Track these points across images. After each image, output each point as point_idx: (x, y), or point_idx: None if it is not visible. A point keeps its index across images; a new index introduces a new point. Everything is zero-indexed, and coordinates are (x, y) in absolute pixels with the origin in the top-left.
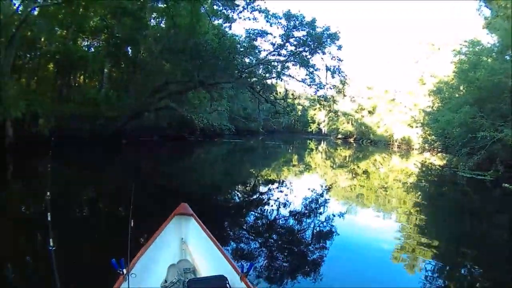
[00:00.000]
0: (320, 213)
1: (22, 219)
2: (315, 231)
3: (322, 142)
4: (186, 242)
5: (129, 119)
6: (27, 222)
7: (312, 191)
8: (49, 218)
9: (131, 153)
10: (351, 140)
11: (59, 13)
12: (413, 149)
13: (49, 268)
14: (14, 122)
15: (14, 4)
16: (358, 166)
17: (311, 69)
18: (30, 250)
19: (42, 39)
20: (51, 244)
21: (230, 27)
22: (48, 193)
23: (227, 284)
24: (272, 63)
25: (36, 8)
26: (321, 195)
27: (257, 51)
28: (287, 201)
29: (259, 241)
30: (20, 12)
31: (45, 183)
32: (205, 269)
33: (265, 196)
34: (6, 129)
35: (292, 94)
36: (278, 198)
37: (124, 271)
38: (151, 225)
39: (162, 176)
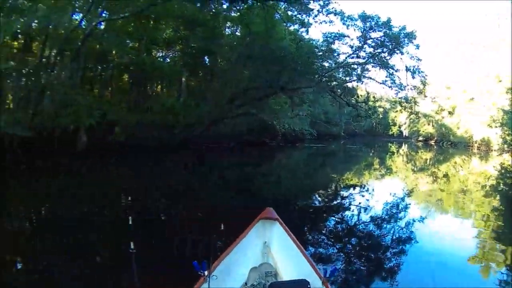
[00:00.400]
0: (400, 218)
1: (103, 222)
2: (394, 236)
3: (403, 144)
4: (269, 245)
5: (207, 126)
6: (108, 224)
7: (392, 195)
8: (130, 222)
9: (210, 159)
10: (432, 142)
11: (128, 27)
12: (492, 150)
13: (130, 270)
14: (88, 129)
15: (77, 19)
16: (438, 169)
17: (391, 70)
18: (112, 253)
19: (114, 52)
20: (132, 247)
21: (307, 32)
22: (129, 197)
23: None
24: (352, 65)
25: (103, 22)
26: (402, 199)
27: (335, 54)
28: (368, 205)
29: (339, 245)
30: (84, 27)
31: (124, 187)
32: (287, 273)
33: (346, 201)
34: (79, 136)
35: (373, 97)
36: (359, 203)
37: (206, 273)
38: (234, 228)
39: (245, 181)
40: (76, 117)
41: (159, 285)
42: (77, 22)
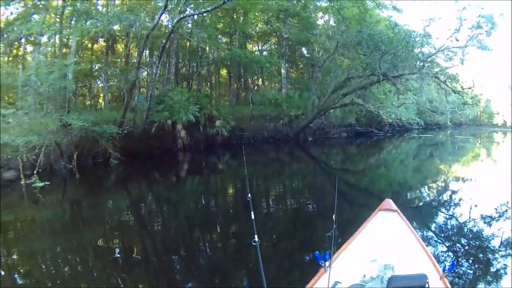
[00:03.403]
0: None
1: (227, 216)
2: (505, 237)
3: (508, 134)
4: (388, 238)
5: (313, 116)
6: (232, 218)
7: (500, 191)
8: (252, 217)
9: (318, 150)
10: None
11: (218, 23)
12: None
13: (256, 260)
14: (187, 125)
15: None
16: None
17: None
18: (238, 245)
19: (207, 48)
20: (256, 239)
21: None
22: (249, 195)
23: (427, 284)
24: (452, 49)
25: (190, 20)
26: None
27: (434, 38)
28: (477, 202)
29: (451, 242)
30: (170, 25)
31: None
32: (405, 266)
33: (456, 196)
34: (177, 131)
35: (478, 83)
36: (470, 199)
37: (327, 263)
38: (356, 219)
39: (355, 172)
40: (170, 111)
41: (283, 273)
42: (161, 21)
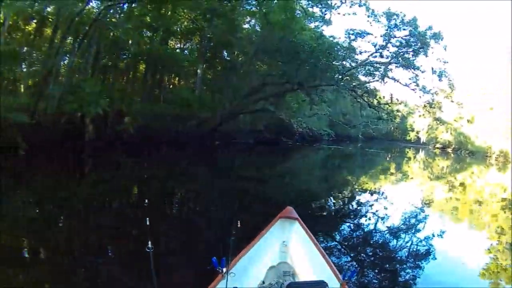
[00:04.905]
0: (415, 228)
1: (120, 219)
2: (410, 247)
3: (420, 151)
4: (288, 245)
5: (223, 120)
6: (126, 223)
7: (408, 203)
8: (147, 223)
9: (224, 155)
10: (449, 150)
11: (146, 16)
12: (510, 162)
13: (148, 268)
14: (95, 119)
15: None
16: (455, 178)
17: (416, 72)
18: (130, 251)
19: (130, 41)
20: (150, 245)
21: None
22: (146, 200)
23: None
24: (375, 65)
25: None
26: (417, 208)
27: (358, 52)
28: (384, 213)
29: (357, 251)
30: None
31: (135, 180)
32: (305, 273)
33: (363, 207)
34: (85, 125)
35: (397, 99)
36: (376, 210)
37: (224, 270)
38: (254, 226)
39: (259, 180)
40: (80, 104)
41: (177, 281)
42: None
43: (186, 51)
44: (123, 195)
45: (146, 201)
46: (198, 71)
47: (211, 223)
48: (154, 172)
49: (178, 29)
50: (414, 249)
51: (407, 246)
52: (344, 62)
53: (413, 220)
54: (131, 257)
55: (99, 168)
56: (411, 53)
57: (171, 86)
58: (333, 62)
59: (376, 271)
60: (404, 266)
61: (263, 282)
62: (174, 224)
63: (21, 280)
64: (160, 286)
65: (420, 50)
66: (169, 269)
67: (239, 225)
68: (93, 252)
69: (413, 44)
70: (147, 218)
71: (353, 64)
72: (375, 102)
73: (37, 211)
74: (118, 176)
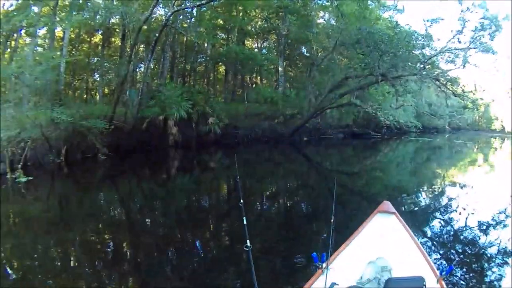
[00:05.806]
0: (504, 224)
1: (218, 218)
2: (500, 245)
3: (506, 140)
4: (386, 240)
5: (310, 116)
6: (223, 221)
7: (497, 197)
8: (244, 222)
9: (313, 151)
10: None
11: (217, 18)
12: None
13: (246, 266)
14: (178, 122)
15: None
16: None
17: (495, 56)
18: (229, 251)
19: (206, 44)
20: (248, 244)
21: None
22: (241, 201)
23: (424, 286)
24: (454, 51)
25: (189, 15)
26: (508, 202)
27: (436, 39)
28: (473, 208)
29: (446, 247)
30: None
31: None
32: (402, 268)
33: (451, 201)
34: (169, 128)
35: (480, 86)
36: (466, 205)
37: (324, 265)
38: (353, 221)
39: (351, 174)
40: (161, 107)
41: (276, 276)
42: (159, 15)
43: (264, 50)
44: (217, 193)
45: (241, 201)
46: (280, 68)
47: (307, 219)
48: (246, 170)
49: (252, 29)
50: (503, 247)
51: (497, 244)
52: (423, 51)
53: (502, 216)
54: (231, 256)
55: (188, 167)
56: (487, 37)
57: (253, 85)
58: (413, 51)
59: (467, 267)
60: (492, 264)
61: (361, 278)
62: (271, 221)
63: (125, 273)
64: (260, 282)
65: (495, 33)
66: (267, 265)
67: (335, 221)
68: (191, 248)
69: (488, 27)
70: (244, 218)
71: (433, 52)
72: (460, 90)
73: (138, 209)
74: (211, 176)
